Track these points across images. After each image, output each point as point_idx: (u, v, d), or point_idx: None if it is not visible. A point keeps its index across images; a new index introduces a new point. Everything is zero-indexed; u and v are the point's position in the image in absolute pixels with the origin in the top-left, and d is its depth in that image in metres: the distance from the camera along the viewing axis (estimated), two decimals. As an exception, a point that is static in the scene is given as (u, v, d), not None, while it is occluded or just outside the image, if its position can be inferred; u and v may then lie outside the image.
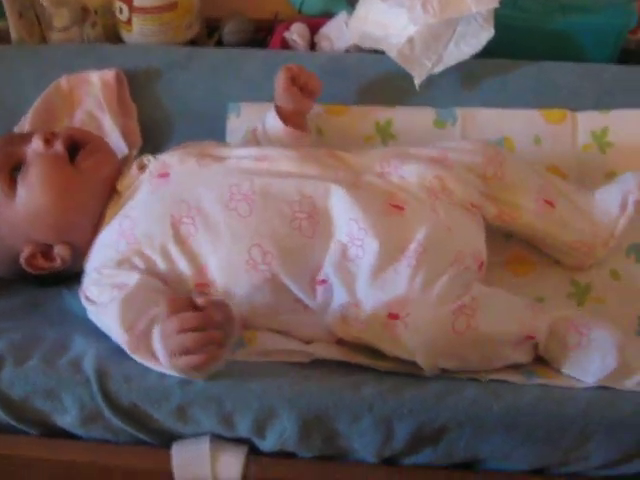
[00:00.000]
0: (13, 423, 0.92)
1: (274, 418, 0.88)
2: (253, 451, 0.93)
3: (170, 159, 1.04)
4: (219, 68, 1.28)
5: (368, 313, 0.93)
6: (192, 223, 0.97)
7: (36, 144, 1.02)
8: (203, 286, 0.97)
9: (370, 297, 0.93)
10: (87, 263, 1.02)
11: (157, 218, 0.99)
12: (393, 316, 0.91)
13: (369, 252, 0.94)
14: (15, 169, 1.01)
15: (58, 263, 1.04)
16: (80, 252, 1.03)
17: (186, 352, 0.83)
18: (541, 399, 0.88)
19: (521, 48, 1.26)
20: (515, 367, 0.95)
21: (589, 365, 0.92)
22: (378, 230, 0.95)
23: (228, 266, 0.96)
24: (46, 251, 1.03)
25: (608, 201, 1.09)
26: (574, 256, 1.08)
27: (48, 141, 1.02)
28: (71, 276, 1.05)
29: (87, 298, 0.97)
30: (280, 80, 1.14)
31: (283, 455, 0.92)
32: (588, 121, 1.21)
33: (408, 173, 1.02)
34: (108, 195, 1.05)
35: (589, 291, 1.08)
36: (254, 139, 1.18)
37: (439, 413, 0.87)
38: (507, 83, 1.24)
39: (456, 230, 0.99)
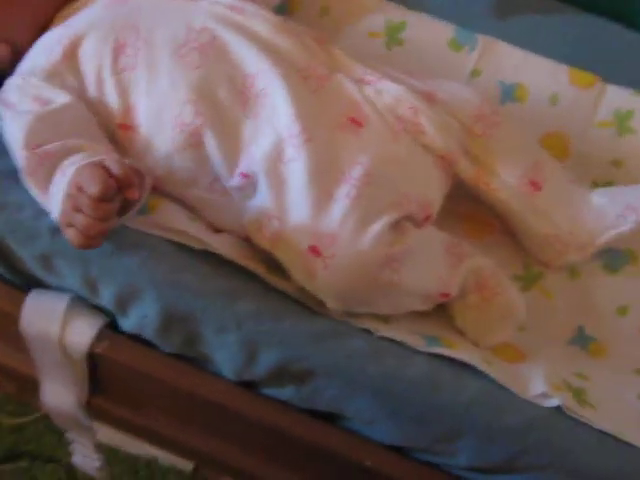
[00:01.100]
0: None
1: (137, 300, 0.80)
2: (114, 329, 0.85)
3: None
4: None
5: (288, 234, 0.82)
6: (134, 55, 0.87)
7: None
8: (126, 128, 0.87)
9: (296, 215, 0.82)
10: (18, 65, 0.91)
11: (101, 37, 0.88)
12: (314, 250, 0.80)
13: (304, 159, 0.83)
14: None
15: None
16: (21, 56, 0.91)
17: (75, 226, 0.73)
18: (423, 377, 0.78)
19: (574, -8, 1.09)
20: (417, 327, 0.86)
21: (480, 328, 0.87)
22: (321, 140, 0.83)
23: (156, 115, 0.86)
24: None
25: (606, 206, 0.94)
26: (544, 251, 0.95)
27: None
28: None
29: (4, 101, 0.87)
30: None
31: (143, 342, 0.84)
32: (617, 97, 1.05)
33: (386, 90, 0.89)
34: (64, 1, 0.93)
35: (538, 280, 0.96)
36: None
37: (310, 355, 0.78)
38: (544, 26, 1.08)
39: (411, 168, 0.87)
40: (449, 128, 0.89)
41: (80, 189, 0.72)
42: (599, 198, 0.95)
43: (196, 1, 0.91)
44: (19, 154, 0.81)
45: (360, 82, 0.90)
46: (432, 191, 0.89)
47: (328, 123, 0.85)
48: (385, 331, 0.83)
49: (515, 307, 0.88)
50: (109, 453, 1.40)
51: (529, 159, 0.93)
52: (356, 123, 0.86)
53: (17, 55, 0.92)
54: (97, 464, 1.01)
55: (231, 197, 0.87)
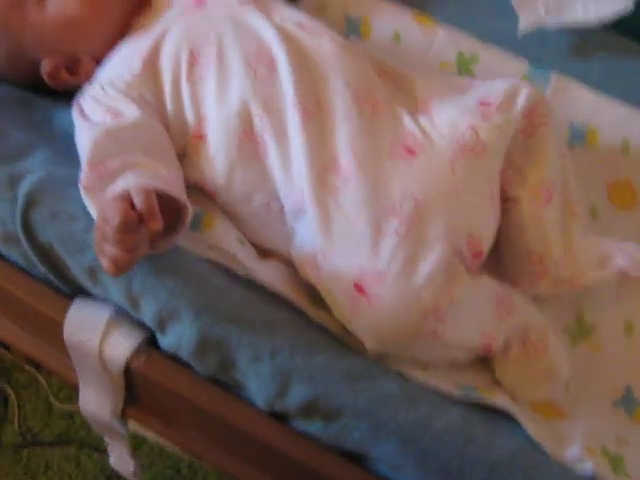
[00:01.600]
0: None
1: (175, 320, 0.80)
2: (154, 346, 0.85)
3: None
4: None
5: (333, 269, 0.82)
6: (207, 66, 0.88)
7: None
8: (199, 138, 0.88)
9: (342, 250, 0.82)
10: (98, 73, 0.93)
11: (177, 48, 0.89)
12: (359, 289, 0.80)
13: (351, 189, 0.82)
14: None
15: (82, 79, 0.95)
16: (99, 65, 0.94)
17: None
18: (454, 429, 0.76)
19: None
20: (455, 375, 0.84)
21: (519, 383, 0.85)
22: (370, 169, 0.83)
23: (224, 126, 0.86)
24: (71, 65, 0.95)
25: (598, 247, 0.92)
26: (521, 269, 0.91)
27: None
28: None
29: (80, 109, 0.89)
30: None
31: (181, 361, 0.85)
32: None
33: (440, 121, 0.87)
34: (141, 7, 0.95)
35: (590, 333, 0.93)
36: None
37: (340, 394, 0.77)
38: (622, 69, 1.04)
39: (464, 200, 0.84)
40: (509, 130, 0.88)
41: (105, 220, 0.73)
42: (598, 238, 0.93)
43: (269, 14, 0.92)
44: (82, 167, 0.82)
45: (414, 113, 0.90)
46: (484, 225, 0.87)
47: (380, 150, 0.85)
48: (421, 377, 0.81)
49: (558, 367, 0.85)
50: (154, 449, 1.43)
51: (555, 171, 0.91)
52: (409, 152, 0.85)
53: (98, 66, 0.95)
54: (131, 469, 1.02)
55: (284, 219, 0.87)
